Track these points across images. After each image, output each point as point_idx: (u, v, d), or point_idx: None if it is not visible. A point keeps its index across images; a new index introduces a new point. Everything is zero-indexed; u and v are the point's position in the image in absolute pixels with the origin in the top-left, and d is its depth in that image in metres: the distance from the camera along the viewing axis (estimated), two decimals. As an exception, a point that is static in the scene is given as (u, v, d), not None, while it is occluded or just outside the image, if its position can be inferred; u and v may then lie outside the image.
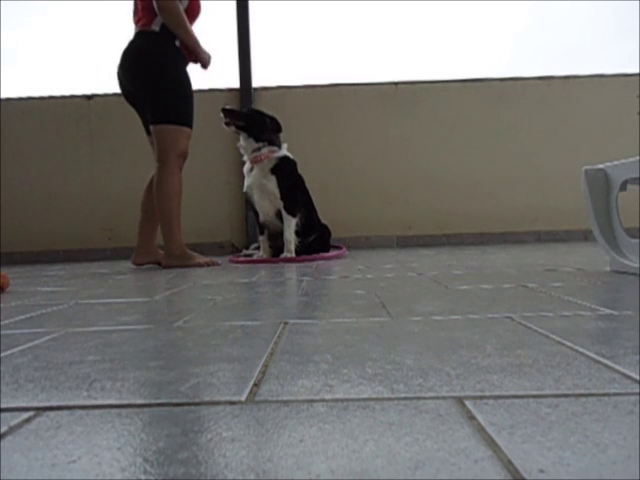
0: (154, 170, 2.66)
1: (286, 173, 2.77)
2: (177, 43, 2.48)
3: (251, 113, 2.85)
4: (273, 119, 2.84)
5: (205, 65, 2.63)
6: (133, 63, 2.48)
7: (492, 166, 4.01)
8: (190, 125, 2.54)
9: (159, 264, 2.62)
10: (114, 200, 3.96)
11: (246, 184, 2.82)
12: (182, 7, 2.44)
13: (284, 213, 2.73)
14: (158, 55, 2.46)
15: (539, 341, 0.74)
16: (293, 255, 2.69)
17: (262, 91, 3.98)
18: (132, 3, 2.60)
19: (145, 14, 2.47)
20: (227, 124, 2.78)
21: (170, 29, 2.44)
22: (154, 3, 2.40)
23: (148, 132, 2.69)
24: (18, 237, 3.95)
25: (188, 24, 2.46)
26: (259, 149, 2.75)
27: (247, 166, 2.83)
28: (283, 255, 2.70)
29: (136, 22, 2.53)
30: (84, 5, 4.55)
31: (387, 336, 0.81)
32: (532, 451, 0.39)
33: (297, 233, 2.79)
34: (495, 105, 4.03)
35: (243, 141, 2.79)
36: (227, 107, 2.84)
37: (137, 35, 2.49)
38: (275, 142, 2.79)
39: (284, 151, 2.82)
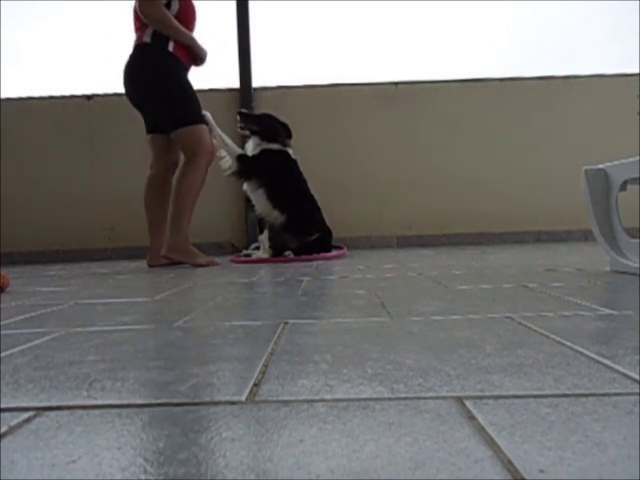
0: (150, 171, 2.71)
1: (274, 159, 2.81)
2: (170, 48, 2.51)
3: (265, 118, 2.91)
4: (285, 125, 2.92)
5: (202, 60, 2.67)
6: (134, 78, 2.56)
7: (492, 166, 4.01)
8: (204, 122, 2.60)
9: (175, 263, 2.62)
10: (114, 200, 3.96)
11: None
12: (173, 10, 2.49)
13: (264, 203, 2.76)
14: (154, 67, 2.52)
15: (539, 341, 0.74)
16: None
17: (262, 91, 3.98)
18: (132, 7, 2.62)
19: (139, 26, 2.54)
20: (242, 128, 2.85)
21: (160, 31, 2.48)
22: (138, 10, 2.47)
23: (148, 132, 2.71)
24: (18, 237, 3.94)
25: (176, 22, 2.49)
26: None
27: None
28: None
29: (135, 33, 2.59)
30: (84, 5, 4.54)
31: (387, 336, 0.81)
32: (532, 451, 0.39)
33: (298, 232, 2.79)
34: (495, 105, 4.03)
35: (252, 142, 2.86)
36: (243, 110, 2.93)
37: (134, 49, 2.56)
38: (280, 142, 2.85)
39: (286, 149, 2.87)
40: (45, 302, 1.40)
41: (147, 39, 2.50)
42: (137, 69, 2.55)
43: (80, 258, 3.89)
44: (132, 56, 2.56)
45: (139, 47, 2.54)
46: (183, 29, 2.53)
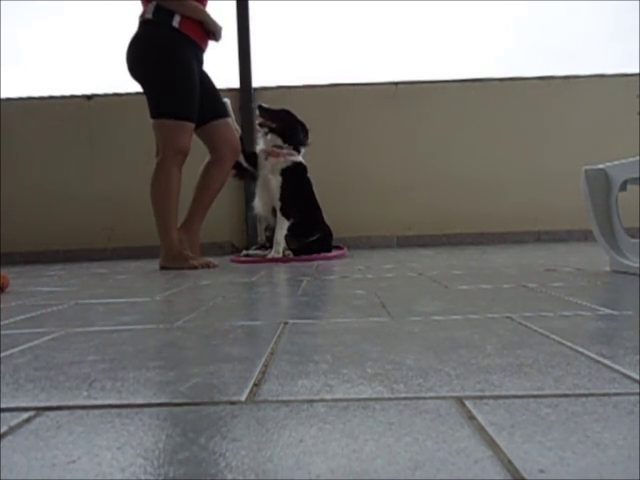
0: (156, 159, 2.53)
1: (294, 177, 2.79)
2: (175, 24, 2.35)
3: (285, 116, 2.84)
4: (304, 126, 2.88)
5: (216, 36, 2.52)
6: (130, 56, 2.43)
7: (492, 166, 4.01)
8: (191, 119, 2.43)
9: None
10: (114, 200, 3.96)
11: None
12: None
13: (278, 214, 2.75)
14: (152, 45, 2.38)
15: (539, 341, 0.74)
16: (280, 256, 2.70)
17: (262, 91, 3.98)
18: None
19: (143, 3, 2.42)
20: (261, 125, 2.79)
21: (165, 6, 2.33)
22: None
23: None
24: (18, 237, 3.94)
25: None
26: (280, 147, 2.79)
27: (261, 151, 2.84)
28: (270, 255, 2.72)
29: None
30: (84, 5, 4.55)
31: (387, 336, 0.81)
32: (532, 451, 0.39)
33: (298, 232, 2.80)
34: (495, 105, 4.03)
35: (270, 140, 2.80)
36: (264, 105, 2.82)
37: (138, 27, 2.43)
38: (297, 148, 2.84)
39: (300, 157, 2.86)
40: (45, 302, 1.40)
41: (149, 15, 2.34)
42: (134, 48, 2.40)
43: (80, 258, 3.89)
44: (134, 35, 2.42)
45: (141, 24, 2.40)
46: (193, 2, 2.38)
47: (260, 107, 2.79)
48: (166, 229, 2.44)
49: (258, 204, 2.86)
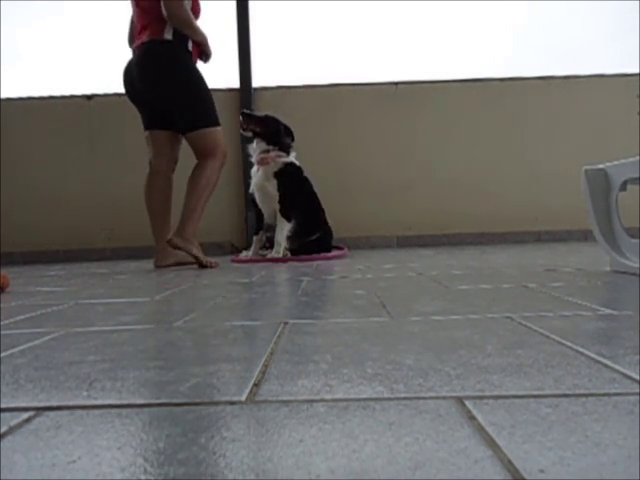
0: (150, 168, 2.67)
1: (288, 178, 2.82)
2: (190, 47, 2.51)
3: (268, 119, 2.90)
4: (287, 128, 2.93)
5: (208, 58, 2.69)
6: (151, 73, 2.49)
7: (492, 166, 4.01)
8: (219, 123, 2.61)
9: (181, 264, 2.61)
10: (114, 200, 3.96)
11: (252, 185, 2.89)
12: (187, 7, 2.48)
13: (278, 216, 2.78)
14: (179, 64, 2.49)
15: (539, 341, 0.74)
16: (280, 256, 2.72)
17: (262, 91, 3.98)
18: (128, 21, 2.64)
19: (152, 24, 2.46)
20: (244, 129, 2.84)
21: (181, 31, 2.46)
22: (163, 10, 2.41)
23: (146, 129, 2.67)
24: (18, 237, 3.94)
25: (195, 22, 2.52)
26: (267, 152, 2.82)
27: (255, 168, 2.90)
28: (270, 255, 2.74)
29: (138, 34, 2.52)
30: (84, 5, 4.55)
31: (387, 336, 0.81)
32: (532, 451, 0.39)
33: (299, 232, 2.81)
34: (495, 105, 4.03)
35: (256, 144, 2.86)
36: (246, 111, 2.91)
37: (151, 44, 2.46)
38: (285, 148, 2.86)
39: (291, 158, 2.89)
40: (45, 302, 1.40)
41: (168, 36, 2.45)
42: (158, 64, 2.47)
43: (80, 258, 3.89)
44: (149, 51, 2.47)
45: (159, 42, 2.46)
46: (200, 28, 2.54)
47: (243, 113, 2.87)
48: (193, 213, 2.51)
49: (264, 213, 2.89)
